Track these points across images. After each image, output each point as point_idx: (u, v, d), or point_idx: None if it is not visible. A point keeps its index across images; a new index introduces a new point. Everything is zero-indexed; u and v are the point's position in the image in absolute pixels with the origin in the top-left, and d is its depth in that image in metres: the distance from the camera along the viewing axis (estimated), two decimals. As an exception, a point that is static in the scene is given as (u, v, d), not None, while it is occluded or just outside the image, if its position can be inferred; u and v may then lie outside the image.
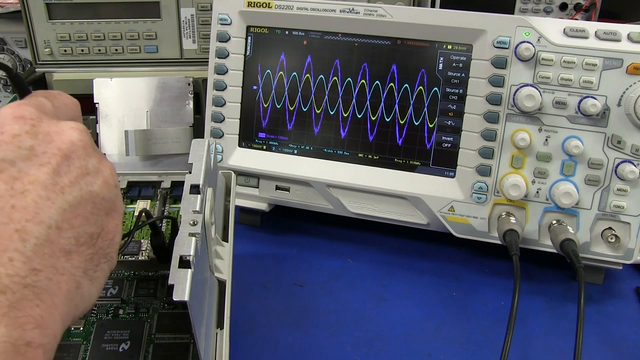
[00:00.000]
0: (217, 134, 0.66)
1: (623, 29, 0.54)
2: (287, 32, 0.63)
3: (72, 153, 0.30)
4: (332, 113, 0.63)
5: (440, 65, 0.59)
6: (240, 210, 0.69)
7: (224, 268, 0.44)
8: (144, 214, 0.45)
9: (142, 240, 0.49)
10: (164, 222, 0.51)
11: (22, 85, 0.35)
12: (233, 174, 0.52)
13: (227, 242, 0.47)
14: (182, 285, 0.32)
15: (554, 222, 0.57)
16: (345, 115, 0.63)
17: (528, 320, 0.56)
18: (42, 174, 0.28)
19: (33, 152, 0.28)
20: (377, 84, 0.61)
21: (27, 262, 0.26)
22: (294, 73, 0.63)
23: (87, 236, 0.29)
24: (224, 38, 0.64)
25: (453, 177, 0.60)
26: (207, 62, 0.65)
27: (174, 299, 0.31)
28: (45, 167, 0.28)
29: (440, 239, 0.66)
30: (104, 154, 0.73)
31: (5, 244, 0.25)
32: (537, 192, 0.57)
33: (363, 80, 0.62)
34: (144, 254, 0.48)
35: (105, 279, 0.32)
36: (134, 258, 0.47)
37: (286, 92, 0.64)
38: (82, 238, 0.29)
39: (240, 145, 0.66)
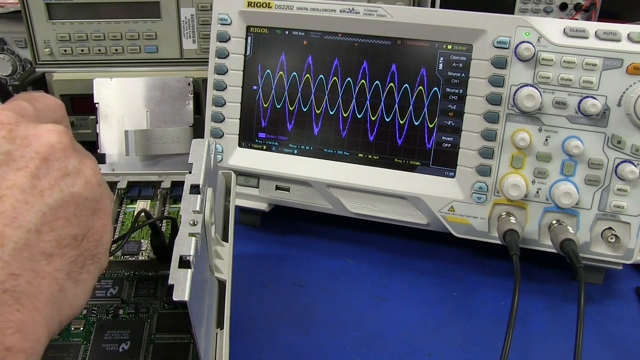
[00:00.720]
0: (217, 134, 0.66)
1: (623, 29, 0.54)
2: (287, 32, 0.63)
3: (50, 156, 0.29)
4: (332, 113, 0.63)
5: (440, 65, 0.59)
6: (240, 210, 0.69)
7: (224, 268, 0.44)
8: (143, 214, 0.45)
9: (142, 241, 0.49)
10: (163, 221, 0.51)
11: (3, 89, 0.35)
12: (233, 173, 0.52)
13: (227, 242, 0.47)
14: (182, 285, 0.32)
15: (554, 222, 0.57)
16: (345, 115, 0.63)
17: (528, 320, 0.56)
18: (20, 178, 0.28)
19: (10, 157, 0.28)
20: (377, 84, 0.61)
21: (6, 267, 0.25)
22: (294, 73, 0.63)
23: (70, 238, 0.29)
24: (224, 38, 0.64)
25: (453, 177, 0.60)
26: (207, 62, 0.65)
27: (174, 299, 0.31)
28: (23, 171, 0.28)
29: (440, 239, 0.66)
30: (104, 153, 0.73)
31: None
32: (537, 192, 0.57)
33: (363, 80, 0.62)
34: (144, 254, 0.48)
35: (93, 281, 0.31)
36: (134, 258, 0.47)
37: (286, 92, 0.64)
38: (65, 240, 0.29)
39: (240, 145, 0.66)
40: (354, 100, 0.62)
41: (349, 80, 0.62)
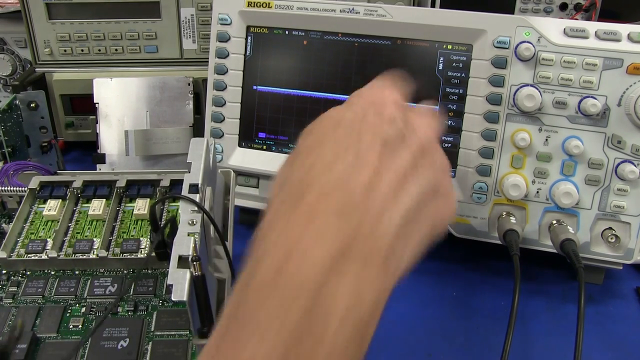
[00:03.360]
0: (217, 134, 0.66)
1: (623, 29, 0.54)
2: (287, 32, 0.63)
3: (426, 149, 0.35)
4: (332, 113, 0.63)
5: (440, 65, 0.59)
6: (240, 210, 0.69)
7: (224, 267, 0.44)
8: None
9: (142, 238, 0.49)
10: (163, 219, 0.51)
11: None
12: (232, 172, 0.52)
13: (227, 241, 0.47)
14: (181, 285, 0.32)
15: (554, 222, 0.57)
16: (345, 115, 0.62)
17: (528, 321, 0.56)
18: (406, 158, 0.33)
19: (402, 138, 0.33)
20: (377, 83, 0.61)
21: None
22: (294, 73, 0.63)
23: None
24: (224, 38, 0.64)
25: (453, 177, 0.60)
26: (207, 62, 0.65)
27: (173, 299, 0.31)
28: (407, 154, 0.33)
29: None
30: (104, 153, 0.73)
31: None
32: (537, 192, 0.57)
33: (363, 80, 0.61)
34: (142, 252, 0.48)
35: None
36: (133, 255, 0.47)
37: (286, 92, 0.64)
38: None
39: (240, 145, 0.66)
40: (353, 100, 0.62)
41: (348, 81, 0.62)
